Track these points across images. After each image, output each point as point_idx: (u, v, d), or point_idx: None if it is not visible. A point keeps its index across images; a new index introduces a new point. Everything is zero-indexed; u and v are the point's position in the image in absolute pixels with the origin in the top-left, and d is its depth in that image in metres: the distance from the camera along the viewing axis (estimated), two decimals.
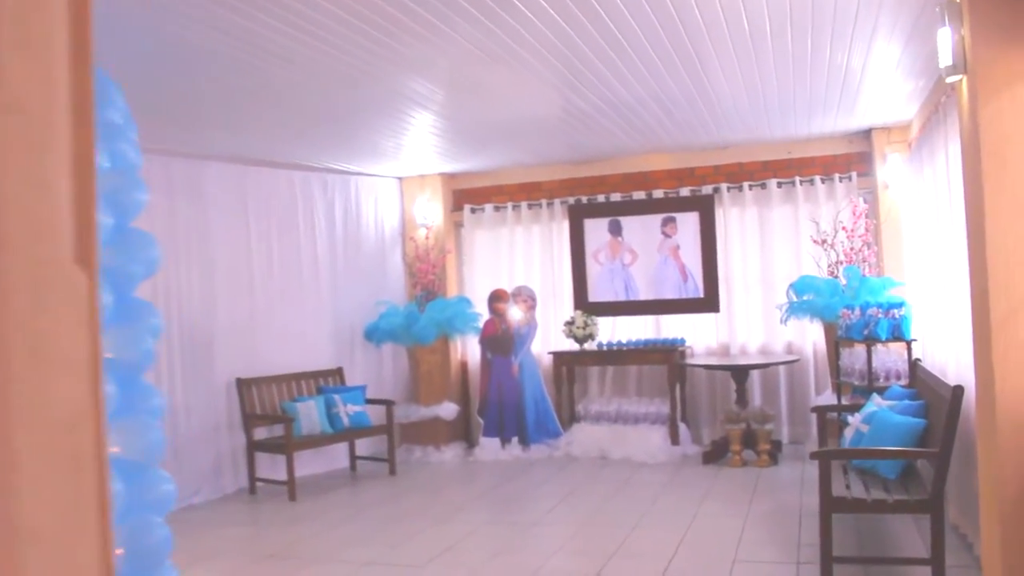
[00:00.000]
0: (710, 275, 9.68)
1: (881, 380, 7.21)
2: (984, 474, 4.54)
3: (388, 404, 9.24)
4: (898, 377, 7.20)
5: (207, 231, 8.62)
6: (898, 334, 7.19)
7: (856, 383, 7.43)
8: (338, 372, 9.58)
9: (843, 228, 8.76)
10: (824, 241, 8.82)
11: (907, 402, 5.99)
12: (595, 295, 10.12)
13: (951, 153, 6.03)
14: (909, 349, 7.20)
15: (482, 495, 8.11)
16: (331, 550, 6.47)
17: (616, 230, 10.05)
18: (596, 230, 10.12)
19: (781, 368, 9.43)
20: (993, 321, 4.20)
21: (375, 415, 9.30)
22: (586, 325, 9.69)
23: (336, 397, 8.93)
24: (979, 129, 4.20)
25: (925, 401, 5.83)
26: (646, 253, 9.96)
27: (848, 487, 5.35)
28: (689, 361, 9.31)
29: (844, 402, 7.91)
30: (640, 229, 9.97)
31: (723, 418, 8.70)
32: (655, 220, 9.91)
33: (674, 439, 9.20)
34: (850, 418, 6.22)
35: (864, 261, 8.62)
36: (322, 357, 9.55)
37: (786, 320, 8.69)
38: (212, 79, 6.17)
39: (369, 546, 6.49)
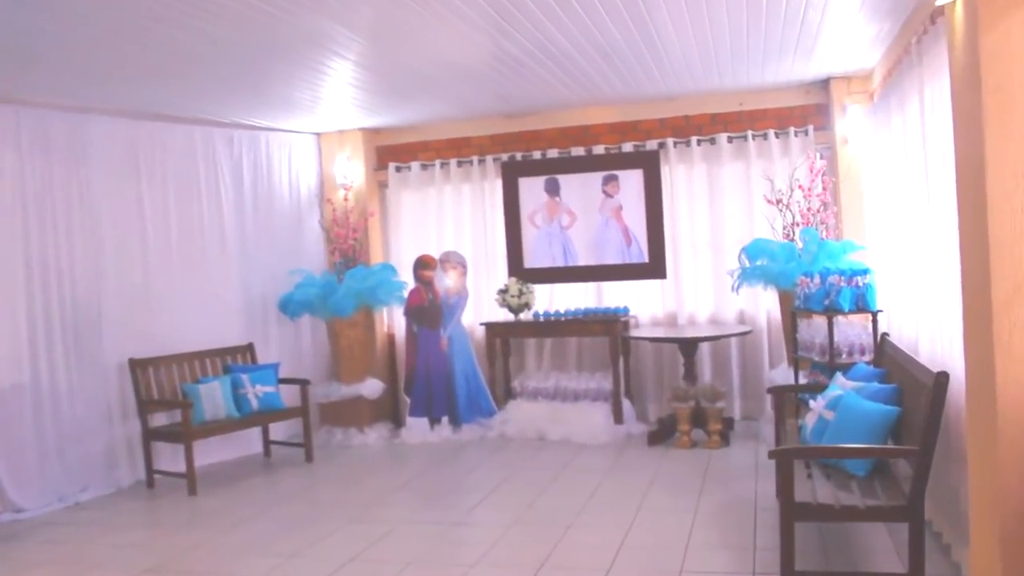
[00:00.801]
0: (655, 238, 8.90)
1: (844, 356, 6.49)
2: (980, 483, 3.81)
3: (303, 384, 8.36)
4: (862, 352, 6.49)
5: (91, 194, 7.61)
6: (862, 305, 6.46)
7: (816, 359, 6.70)
8: (248, 349, 8.66)
9: (799, 186, 8.00)
10: (779, 201, 8.06)
11: (876, 384, 5.26)
12: (531, 261, 9.29)
13: (928, 100, 5.27)
14: (874, 321, 6.48)
15: (405, 485, 7.30)
16: (223, 559, 5.62)
17: (553, 190, 9.21)
18: (531, 190, 9.27)
19: (732, 340, 8.70)
20: (995, 299, 3.44)
21: (289, 396, 8.42)
22: (521, 293, 8.87)
23: (244, 377, 8.02)
24: (980, 61, 3.41)
25: (897, 385, 5.10)
26: (586, 215, 9.14)
27: (812, 487, 4.61)
28: (633, 333, 8.54)
29: (802, 379, 7.20)
30: (579, 188, 9.14)
31: (670, 395, 7.96)
32: (595, 178, 9.09)
33: (617, 417, 8.46)
34: (812, 402, 5.47)
35: (823, 223, 7.88)
36: (230, 333, 8.61)
37: (738, 288, 7.94)
38: (81, 17, 5.20)
39: (267, 554, 5.65)
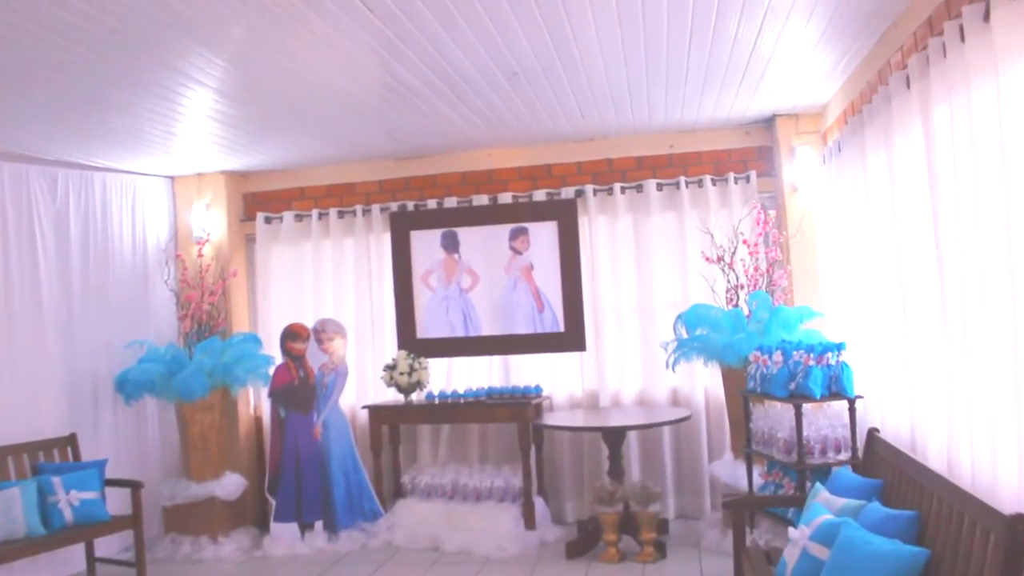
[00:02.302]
0: (572, 303, 7.49)
1: (816, 455, 5.12)
2: None
3: (134, 486, 6.60)
4: (838, 450, 5.14)
5: None
6: (837, 389, 5.13)
7: (778, 456, 5.32)
8: (69, 442, 6.86)
9: (744, 242, 6.71)
10: (720, 258, 6.75)
11: (879, 507, 3.88)
12: (425, 330, 7.78)
13: (915, 136, 4.07)
14: (852, 410, 5.14)
15: None
16: None
17: (452, 245, 7.76)
18: (426, 245, 7.80)
19: (666, 427, 7.27)
20: None
21: (122, 500, 6.67)
22: (412, 370, 7.34)
23: (55, 481, 6.25)
24: None
25: (918, 511, 3.71)
26: (490, 275, 7.69)
27: None
28: (547, 419, 7.06)
29: (756, 477, 5.81)
30: (483, 244, 7.70)
31: (593, 497, 6.47)
32: (502, 232, 7.66)
33: (529, 522, 6.93)
34: (792, 530, 4.04)
35: (773, 285, 6.58)
36: (44, 422, 6.82)
37: (674, 364, 6.56)
38: None
39: None
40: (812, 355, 5.11)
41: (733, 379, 6.45)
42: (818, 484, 4.42)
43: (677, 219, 7.45)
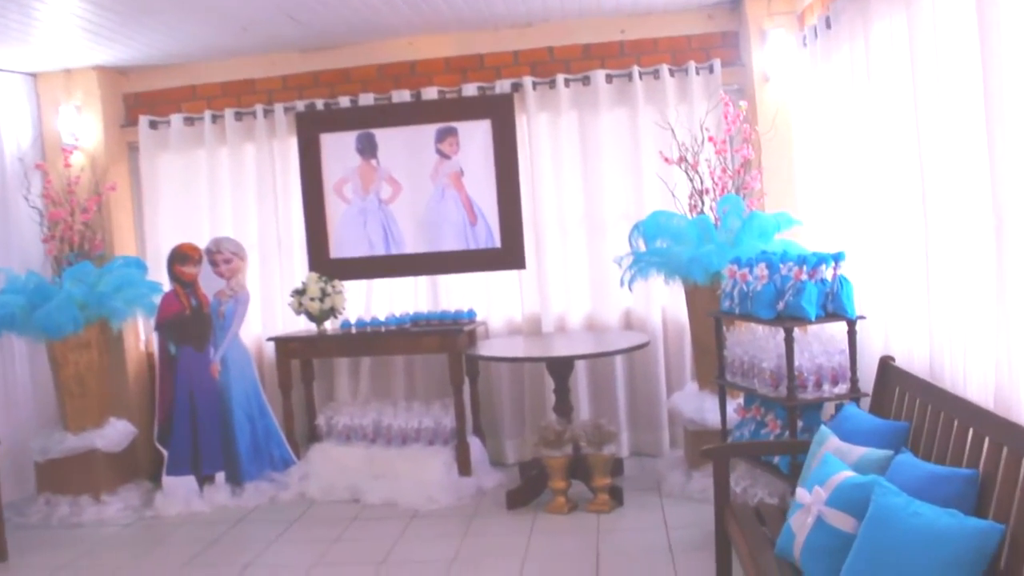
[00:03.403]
0: (510, 214, 6.47)
1: (809, 388, 4.22)
2: None
3: None
4: (835, 382, 4.24)
5: None
6: (834, 308, 4.22)
7: (761, 390, 4.42)
8: None
9: (710, 139, 5.73)
10: (682, 160, 5.77)
11: (915, 462, 2.99)
12: (339, 249, 6.71)
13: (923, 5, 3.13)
14: (851, 333, 4.24)
15: None
16: None
17: (369, 150, 6.66)
18: (339, 150, 6.68)
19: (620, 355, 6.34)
20: None
21: None
22: (325, 295, 6.30)
23: None
24: None
25: (977, 470, 2.82)
26: (414, 183, 6.62)
27: None
28: (482, 349, 6.08)
29: (731, 412, 4.93)
30: (405, 148, 6.61)
31: (537, 439, 5.54)
32: (427, 134, 6.57)
33: (463, 467, 6.00)
34: (801, 491, 3.13)
35: (745, 188, 5.63)
36: None
37: (631, 282, 5.61)
38: None
39: None
40: (805, 268, 4.18)
41: (699, 298, 5.54)
42: (824, 428, 3.52)
43: (630, 116, 6.43)
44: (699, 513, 5.14)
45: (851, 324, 4.22)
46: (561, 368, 5.67)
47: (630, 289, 5.65)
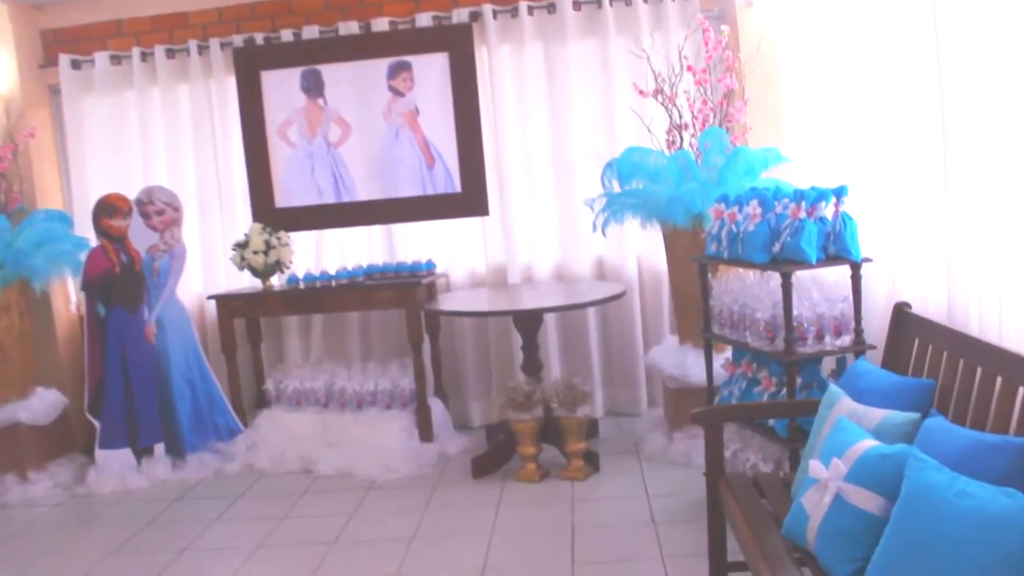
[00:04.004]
0: (470, 156, 5.92)
1: (810, 341, 3.74)
2: None
3: None
4: (837, 333, 3.77)
5: None
6: (837, 250, 3.73)
7: (757, 344, 3.93)
8: None
9: (689, 68, 5.20)
10: (659, 91, 5.24)
11: (950, 426, 2.52)
12: (285, 197, 6.13)
13: None
14: (856, 278, 3.76)
15: None
16: None
17: (315, 88, 6.06)
18: (282, 89, 6.07)
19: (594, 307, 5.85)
20: None
21: None
22: (269, 247, 5.74)
23: None
24: None
25: None
26: (366, 124, 6.04)
27: None
28: (443, 303, 5.55)
29: (719, 369, 4.46)
30: (354, 85, 6.01)
31: (505, 401, 5.05)
32: (378, 69, 5.98)
33: (424, 432, 5.51)
34: (814, 464, 2.65)
35: (729, 121, 5.12)
36: None
37: (604, 226, 5.10)
38: None
39: None
40: (804, 205, 3.68)
41: (679, 243, 5.05)
42: (834, 387, 3.05)
43: (600, 47, 5.88)
44: (682, 479, 4.71)
45: (855, 267, 3.73)
46: (529, 322, 5.17)
47: (603, 234, 5.14)
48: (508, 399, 4.96)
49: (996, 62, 2.86)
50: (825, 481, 2.54)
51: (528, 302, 5.33)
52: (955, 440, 2.42)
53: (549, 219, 6.04)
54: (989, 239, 2.98)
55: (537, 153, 6.00)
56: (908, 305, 3.40)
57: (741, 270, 4.16)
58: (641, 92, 5.28)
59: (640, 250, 5.94)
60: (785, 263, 3.70)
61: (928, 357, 3.06)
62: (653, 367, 5.39)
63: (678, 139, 5.20)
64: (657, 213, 4.90)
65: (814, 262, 3.65)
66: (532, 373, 5.19)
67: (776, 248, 3.76)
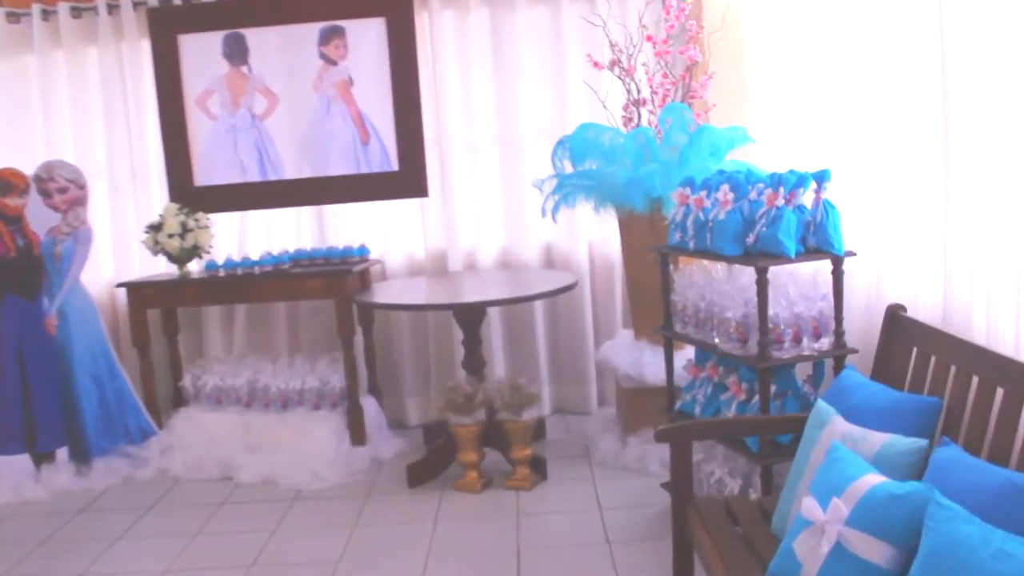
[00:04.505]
0: (409, 132, 5.42)
1: (787, 344, 3.32)
2: None
3: None
4: (816, 336, 3.35)
5: None
6: (817, 242, 3.32)
7: (726, 348, 3.50)
8: None
9: (649, 38, 4.75)
10: (615, 63, 4.78)
11: (969, 459, 2.12)
12: (206, 174, 5.58)
13: None
14: (837, 273, 3.35)
15: None
16: None
17: (238, 54, 5.51)
18: (202, 55, 5.50)
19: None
20: None
21: None
22: (186, 230, 5.19)
23: None
24: None
25: None
26: (294, 95, 5.50)
27: None
28: (377, 293, 5.06)
29: (680, 369, 4.03)
30: (281, 51, 5.47)
31: (444, 403, 4.59)
32: (308, 34, 5.45)
33: (356, 435, 5.03)
34: (809, 503, 2.23)
35: (692, 96, 4.68)
36: None
37: (554, 210, 4.65)
38: None
39: None
40: (782, 191, 3.26)
41: (636, 230, 4.63)
42: (823, 405, 2.64)
43: (552, 14, 5.40)
44: (638, 489, 4.31)
45: (838, 262, 3.33)
46: (471, 316, 4.70)
47: (553, 219, 4.68)
48: (447, 401, 4.49)
49: (1002, 27, 2.47)
50: (822, 524, 2.13)
51: (470, 294, 4.87)
52: (976, 477, 2.02)
53: (494, 201, 5.56)
54: (996, 229, 2.59)
55: (481, 130, 5.51)
56: (903, 308, 2.99)
57: (707, 262, 3.73)
58: (596, 64, 4.82)
59: (592, 236, 5.51)
60: (760, 256, 3.28)
61: (930, 370, 2.66)
62: (606, 364, 4.96)
63: (636, 116, 4.76)
64: (612, 197, 4.46)
65: (793, 256, 3.23)
66: (474, 371, 4.73)
67: (750, 239, 3.34)
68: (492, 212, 5.57)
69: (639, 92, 4.74)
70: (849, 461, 2.24)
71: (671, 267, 3.96)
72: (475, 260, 5.57)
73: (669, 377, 4.02)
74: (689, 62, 4.64)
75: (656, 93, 4.69)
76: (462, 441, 4.49)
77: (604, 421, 5.13)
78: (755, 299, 3.28)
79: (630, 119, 4.79)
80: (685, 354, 4.22)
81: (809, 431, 2.59)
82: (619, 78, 4.76)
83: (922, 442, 2.31)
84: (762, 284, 3.22)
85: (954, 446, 2.21)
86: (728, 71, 4.97)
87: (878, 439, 2.37)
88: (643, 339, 4.72)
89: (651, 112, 4.74)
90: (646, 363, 4.56)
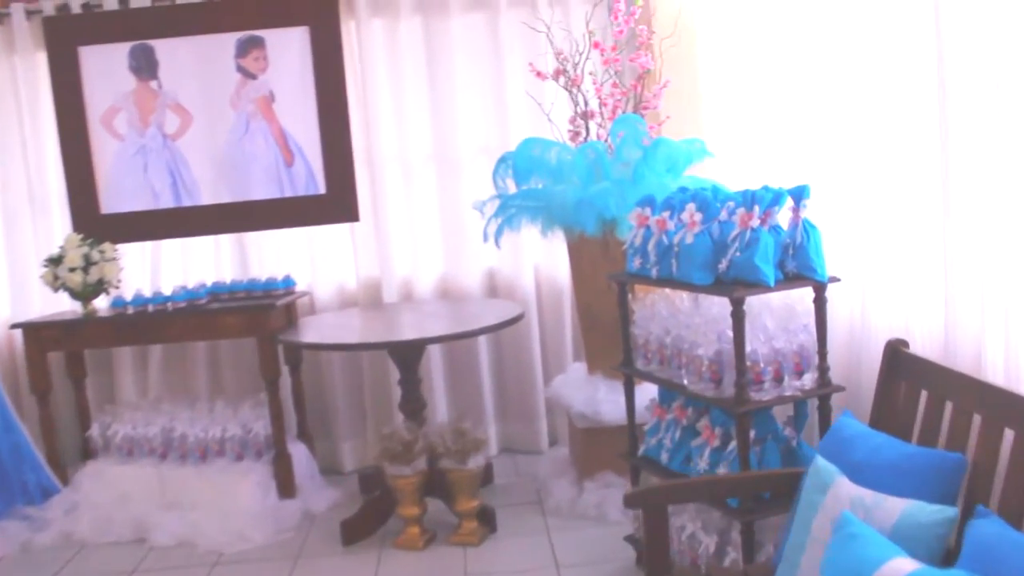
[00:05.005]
0: (337, 151, 4.97)
1: (767, 383, 2.92)
2: None
3: None
4: (798, 373, 2.97)
5: None
6: (797, 267, 2.93)
7: (696, 389, 3.10)
8: None
9: (596, 45, 4.36)
10: (560, 73, 4.38)
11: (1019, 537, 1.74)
12: (113, 201, 5.06)
13: None
14: (819, 301, 2.97)
15: None
16: None
17: (147, 68, 5.01)
18: (106, 69, 4.99)
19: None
20: None
21: None
22: (90, 263, 4.67)
23: None
24: None
25: None
26: (210, 112, 5.01)
27: None
28: (305, 329, 4.57)
29: (645, 411, 3.62)
30: (195, 64, 4.99)
31: (381, 452, 4.12)
32: (224, 46, 4.98)
33: (284, 487, 4.53)
34: None
35: (644, 107, 4.30)
36: None
37: (498, 234, 4.23)
38: None
39: None
40: (757, 209, 2.87)
41: (587, 255, 4.22)
42: (823, 463, 2.24)
43: (490, 20, 5.00)
44: (598, 540, 3.90)
45: (820, 289, 2.95)
46: (409, 354, 4.25)
47: (497, 244, 4.26)
48: (384, 449, 4.03)
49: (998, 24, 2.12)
50: None
51: (408, 329, 4.41)
52: None
53: (431, 225, 5.12)
54: (1010, 241, 2.24)
55: (416, 147, 5.07)
56: (904, 343, 2.62)
57: (669, 291, 3.33)
58: (539, 74, 4.42)
59: (538, 260, 5.10)
60: (735, 285, 2.89)
61: (947, 419, 2.28)
62: (556, 401, 4.54)
63: (584, 130, 4.37)
64: (561, 218, 4.05)
65: (772, 283, 2.84)
66: (413, 415, 4.27)
67: (722, 266, 2.95)
68: (429, 237, 5.14)
69: (586, 104, 4.35)
70: (868, 540, 1.84)
71: (631, 298, 3.56)
72: (412, 290, 5.13)
73: (630, 419, 3.61)
74: (640, 70, 4.26)
75: (605, 104, 4.30)
76: (401, 494, 4.03)
77: (556, 463, 4.70)
78: (729, 333, 2.88)
79: (577, 133, 4.39)
80: (644, 390, 3.81)
81: (809, 495, 2.19)
82: (565, 88, 4.36)
83: (950, 511, 1.93)
84: (738, 317, 2.82)
85: (993, 518, 1.82)
86: (680, 79, 4.59)
87: (896, 506, 1.98)
88: (597, 373, 4.31)
89: (600, 125, 4.35)
90: (602, 400, 4.15)
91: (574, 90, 4.35)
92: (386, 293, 5.06)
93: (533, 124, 4.73)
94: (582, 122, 4.36)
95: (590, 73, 4.37)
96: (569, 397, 4.34)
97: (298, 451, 4.73)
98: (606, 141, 4.19)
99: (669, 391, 3.39)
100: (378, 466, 4.14)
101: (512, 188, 4.25)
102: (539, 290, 5.12)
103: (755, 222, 2.88)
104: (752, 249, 2.85)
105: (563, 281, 4.98)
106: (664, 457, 3.34)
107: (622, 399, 3.85)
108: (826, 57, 3.30)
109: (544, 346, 5.12)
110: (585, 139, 4.34)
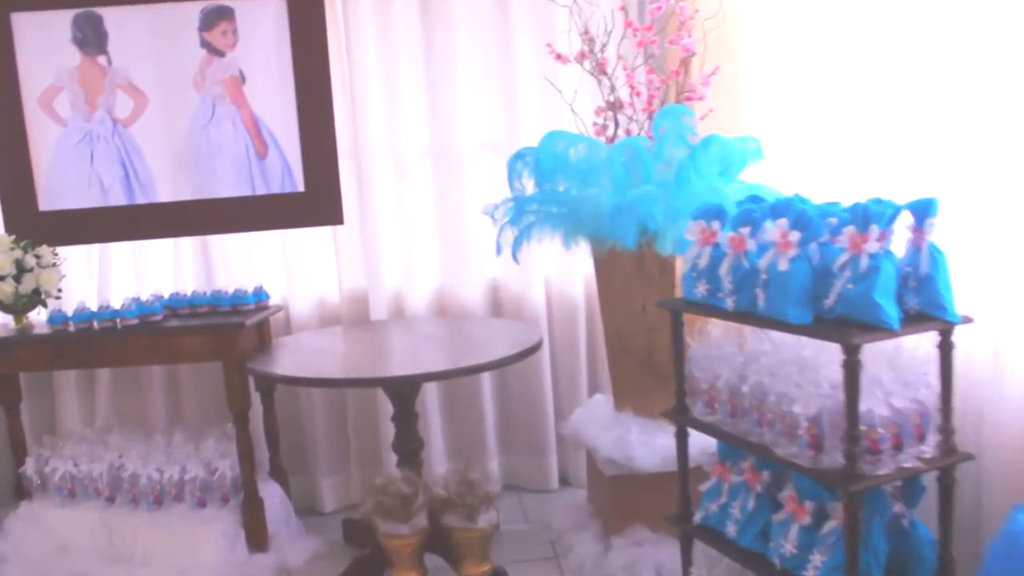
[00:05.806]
0: (318, 142, 4.26)
1: (886, 452, 2.29)
2: None
3: None
4: (920, 437, 2.35)
5: None
6: (920, 303, 2.31)
7: (785, 454, 2.46)
8: None
9: (628, 24, 3.71)
10: (585, 55, 3.72)
11: None
12: (53, 196, 4.32)
13: None
14: (945, 347, 2.35)
15: None
16: None
17: (94, 41, 4.27)
18: (45, 41, 4.25)
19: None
20: None
21: None
22: (24, 270, 3.94)
23: None
24: None
25: None
26: (170, 94, 4.26)
27: None
28: (278, 356, 3.87)
29: (702, 463, 2.99)
30: (151, 37, 4.24)
31: (372, 507, 3.45)
32: (187, 16, 4.25)
33: (255, 538, 3.84)
34: None
35: (687, 99, 3.65)
36: None
37: (515, 246, 3.57)
38: None
39: None
40: (874, 229, 2.23)
41: (617, 271, 3.58)
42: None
43: None
44: None
45: (947, 331, 2.33)
46: (406, 389, 3.58)
47: (515, 258, 3.59)
48: (377, 504, 3.35)
49: None
50: None
51: (403, 358, 3.71)
52: None
53: (426, 230, 4.44)
54: None
55: (410, 140, 4.39)
56: None
57: (749, 328, 2.69)
58: (560, 56, 3.76)
59: (548, 273, 4.45)
60: (843, 325, 2.25)
61: None
62: (576, 439, 3.89)
63: (612, 123, 3.71)
64: (592, 227, 3.39)
65: (897, 326, 2.21)
66: (409, 457, 3.61)
67: (829, 301, 2.31)
68: (424, 244, 4.44)
69: (615, 92, 3.69)
70: None
71: (688, 331, 2.91)
72: (404, 305, 4.44)
73: (682, 477, 2.97)
74: (684, 53, 3.61)
75: (638, 94, 3.65)
76: (397, 556, 3.37)
77: (573, 511, 4.05)
78: (827, 386, 2.25)
79: (604, 127, 3.74)
80: (712, 452, 3.15)
81: None
82: (592, 74, 3.70)
83: None
84: (852, 368, 2.19)
85: None
86: (722, 66, 3.95)
87: None
88: (627, 410, 3.67)
89: (630, 118, 3.70)
90: (635, 443, 3.50)
91: (602, 76, 3.69)
92: (374, 309, 4.37)
93: (548, 115, 4.08)
94: (611, 114, 3.71)
95: (620, 56, 3.72)
96: (594, 438, 3.69)
97: (271, 491, 4.04)
98: (647, 135, 3.54)
99: (726, 449, 2.76)
100: (366, 516, 3.47)
101: (530, 189, 3.59)
102: (550, 306, 4.46)
103: (872, 246, 2.24)
104: (870, 281, 2.22)
105: (578, 298, 4.34)
106: (732, 530, 2.71)
107: (659, 442, 3.27)
108: (912, 37, 2.68)
109: (555, 371, 4.47)
110: (614, 134, 3.69)
